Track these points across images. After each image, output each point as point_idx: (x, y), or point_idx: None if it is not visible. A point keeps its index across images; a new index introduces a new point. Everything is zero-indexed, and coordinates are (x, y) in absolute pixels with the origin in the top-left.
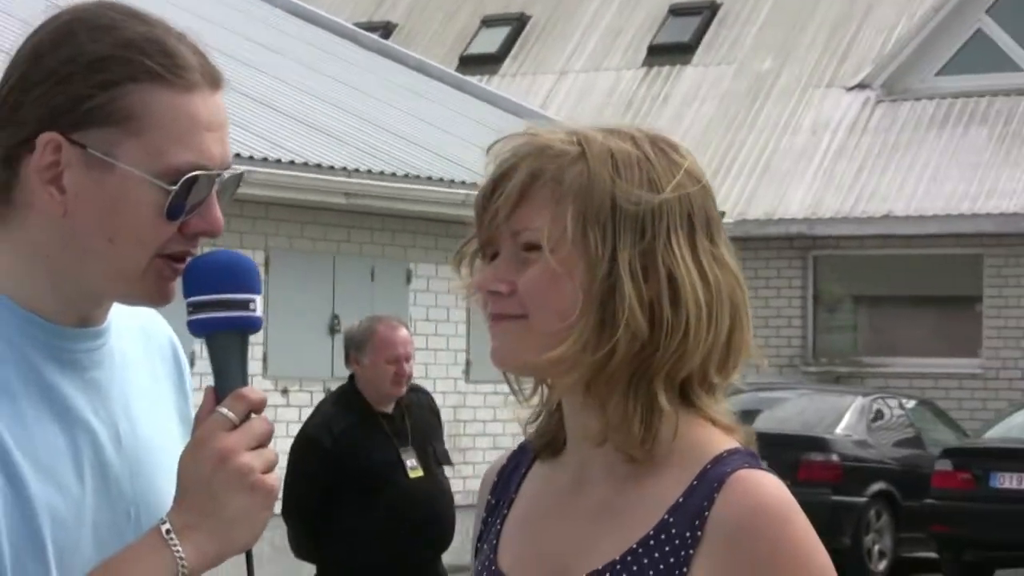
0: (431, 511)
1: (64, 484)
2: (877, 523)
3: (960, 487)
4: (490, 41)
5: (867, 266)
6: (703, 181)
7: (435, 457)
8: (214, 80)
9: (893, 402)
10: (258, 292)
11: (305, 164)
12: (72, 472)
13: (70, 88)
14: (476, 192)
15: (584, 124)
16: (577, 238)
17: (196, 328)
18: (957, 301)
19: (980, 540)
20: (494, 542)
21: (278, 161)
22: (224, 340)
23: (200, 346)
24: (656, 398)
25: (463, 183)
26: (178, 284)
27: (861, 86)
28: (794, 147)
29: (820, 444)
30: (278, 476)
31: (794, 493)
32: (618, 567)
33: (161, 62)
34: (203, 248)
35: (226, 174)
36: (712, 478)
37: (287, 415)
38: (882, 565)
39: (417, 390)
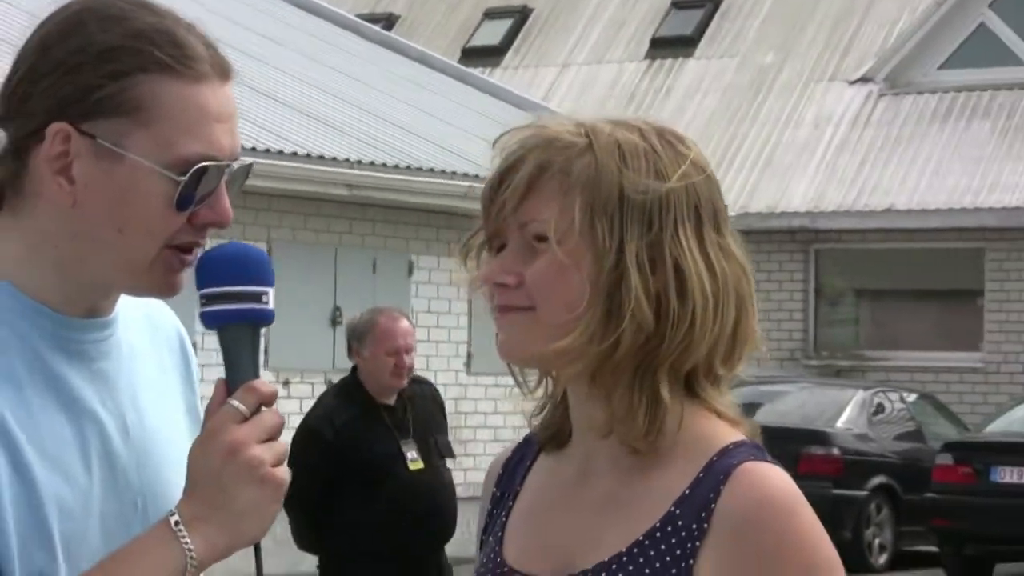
0: (432, 503)
1: (71, 474)
2: (878, 517)
3: (961, 481)
4: (492, 33)
5: (869, 260)
6: (709, 172)
7: (437, 449)
8: (223, 71)
9: (894, 396)
10: (270, 285)
11: (308, 156)
12: (79, 462)
13: (79, 78)
14: (479, 184)
15: (591, 116)
16: (585, 229)
17: (208, 320)
18: (959, 295)
19: (981, 534)
20: (499, 534)
21: (280, 152)
22: (236, 332)
23: (202, 336)
24: (659, 389)
25: (465, 175)
26: (189, 276)
27: (863, 80)
28: (796, 141)
29: (821, 437)
30: (288, 470)
31: None
32: (624, 559)
33: (171, 53)
34: (211, 240)
35: (235, 165)
36: (718, 470)
37: (288, 407)
38: (883, 559)
39: (421, 382)
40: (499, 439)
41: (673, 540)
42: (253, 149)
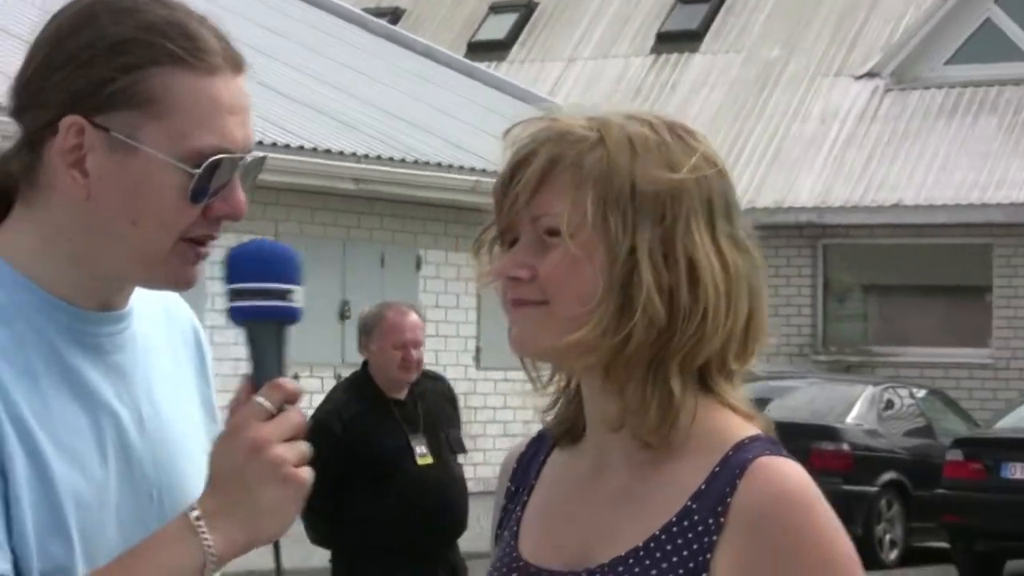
0: (442, 498)
1: (87, 467)
2: (888, 513)
3: (971, 477)
4: (498, 27)
5: (877, 255)
6: (720, 166)
7: (448, 445)
8: (236, 64)
9: (904, 392)
10: (299, 283)
11: (315, 150)
12: (95, 455)
13: (92, 71)
14: (486, 178)
15: (602, 109)
16: (597, 223)
17: (235, 315)
18: (967, 291)
19: (991, 530)
20: (515, 529)
21: (287, 147)
22: (262, 329)
23: (210, 331)
24: (672, 383)
25: (472, 169)
26: (204, 269)
27: (870, 75)
28: (803, 136)
29: (831, 433)
30: (310, 470)
31: None
32: (641, 553)
33: (183, 45)
34: (235, 235)
35: (248, 157)
36: (734, 464)
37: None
38: (893, 555)
39: (435, 377)
40: (509, 434)
41: (689, 535)
42: (260, 143)
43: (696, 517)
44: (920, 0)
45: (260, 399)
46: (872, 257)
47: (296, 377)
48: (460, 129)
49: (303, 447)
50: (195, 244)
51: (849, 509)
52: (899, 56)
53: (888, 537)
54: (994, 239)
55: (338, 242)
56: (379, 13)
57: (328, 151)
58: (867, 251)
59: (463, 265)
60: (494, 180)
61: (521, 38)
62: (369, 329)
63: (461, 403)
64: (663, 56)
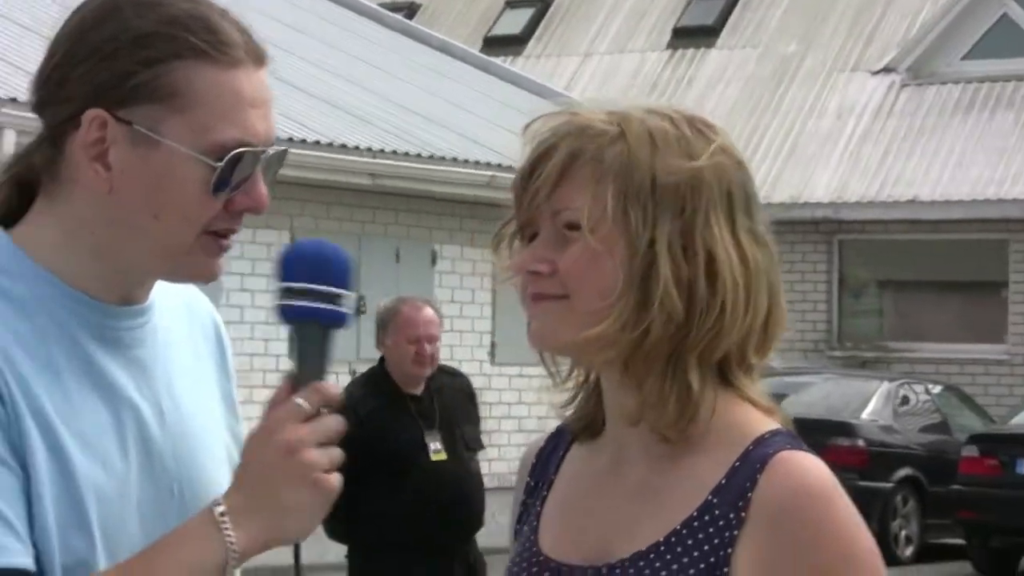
0: (457, 494)
1: (108, 460)
2: (903, 509)
3: (987, 473)
4: (514, 22)
5: (892, 251)
6: (740, 159)
7: (464, 440)
8: (258, 57)
9: (919, 387)
10: (350, 288)
11: (331, 145)
12: (116, 448)
13: (115, 65)
14: (501, 173)
15: (622, 104)
16: (618, 217)
17: (283, 314)
18: (983, 286)
19: (1007, 526)
20: (535, 524)
21: (303, 141)
22: (308, 330)
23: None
24: (690, 377)
25: (488, 164)
26: (225, 262)
27: (886, 70)
28: (819, 131)
29: (846, 429)
30: (340, 477)
31: None
32: (662, 548)
33: (206, 39)
34: (250, 231)
35: (270, 150)
36: (755, 459)
37: None
38: (909, 551)
39: (453, 373)
40: (523, 429)
41: (711, 529)
42: (275, 138)
43: (717, 512)
44: None
45: (299, 400)
46: (888, 253)
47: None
48: (476, 124)
49: (336, 453)
50: (217, 237)
51: (864, 505)
52: (916, 51)
53: (903, 533)
54: (1010, 235)
55: (353, 237)
56: (395, 8)
57: (343, 146)
58: (883, 247)
59: (478, 260)
60: (510, 175)
61: (537, 33)
62: (384, 324)
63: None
64: (679, 51)
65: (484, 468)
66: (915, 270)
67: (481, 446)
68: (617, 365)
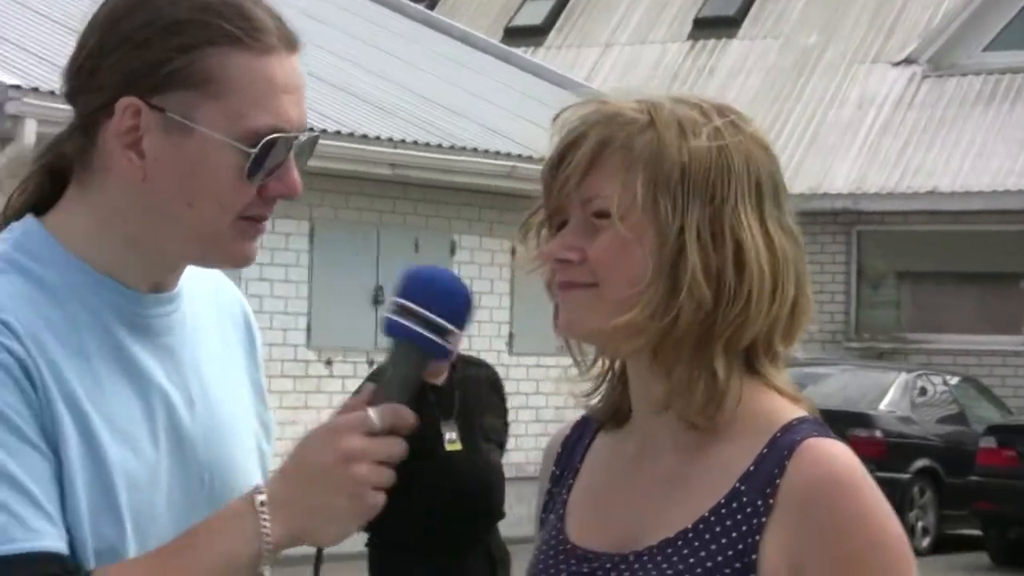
0: (471, 484)
1: (139, 448)
2: (921, 500)
3: (1004, 464)
4: (535, 13)
5: (911, 242)
6: (769, 148)
7: (483, 432)
8: (290, 43)
9: (937, 379)
10: (462, 328)
11: (351, 135)
12: (147, 436)
13: (148, 52)
14: (521, 164)
15: (652, 93)
16: (647, 205)
17: (390, 327)
18: (1002, 278)
19: None
20: (560, 512)
21: (323, 131)
22: (407, 351)
23: None
24: (716, 365)
25: (508, 155)
26: (269, 246)
27: (907, 61)
28: (839, 122)
29: (864, 420)
30: (383, 497)
31: None
32: (690, 535)
33: (239, 25)
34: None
35: (303, 136)
36: (782, 446)
37: (330, 386)
38: (926, 542)
39: (478, 363)
40: (541, 419)
41: (739, 516)
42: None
43: (745, 499)
44: None
45: (373, 413)
46: (907, 244)
47: (329, 363)
48: (496, 114)
49: (388, 475)
50: (252, 221)
51: None
52: (937, 42)
53: (920, 524)
54: None
55: (372, 227)
56: None
57: (364, 136)
58: (902, 238)
59: (497, 251)
60: (530, 166)
61: (558, 23)
62: None
63: None
64: (700, 42)
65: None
66: (934, 261)
67: (501, 438)
68: (646, 353)
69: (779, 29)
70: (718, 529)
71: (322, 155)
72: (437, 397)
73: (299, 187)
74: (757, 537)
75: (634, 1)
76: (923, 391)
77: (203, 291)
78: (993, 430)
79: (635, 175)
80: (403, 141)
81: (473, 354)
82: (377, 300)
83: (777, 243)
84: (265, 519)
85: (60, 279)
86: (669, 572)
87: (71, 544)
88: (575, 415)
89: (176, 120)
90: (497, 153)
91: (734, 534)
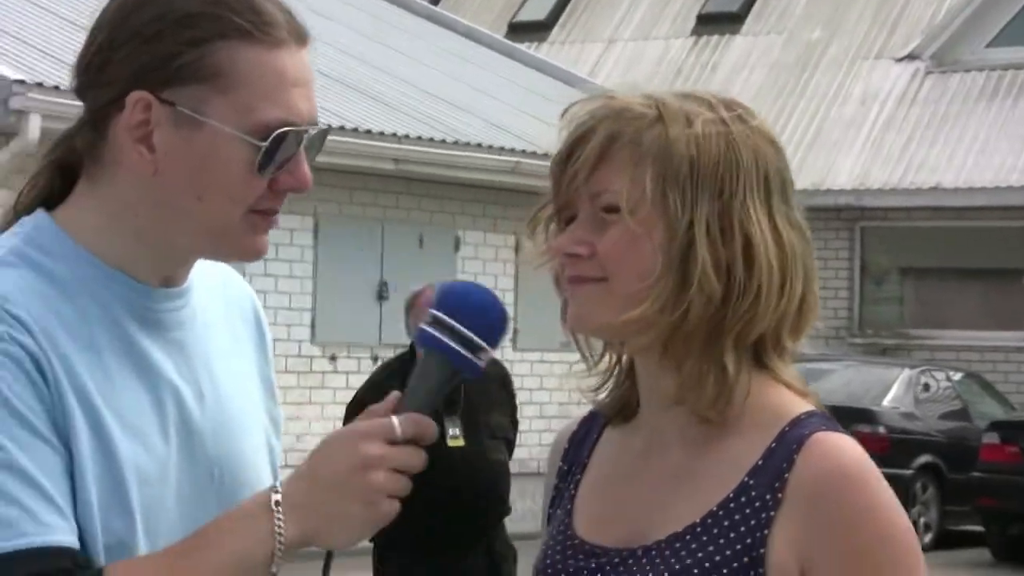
0: (473, 480)
1: (150, 442)
2: (923, 496)
3: (1007, 460)
4: (539, 8)
5: (915, 238)
6: (777, 143)
7: (488, 428)
8: (300, 36)
9: (940, 375)
10: (494, 347)
11: (355, 130)
12: (157, 431)
13: (159, 46)
14: (525, 159)
15: (659, 89)
16: (657, 199)
17: (422, 337)
18: (1005, 274)
19: None
20: (568, 507)
21: (328, 127)
22: (436, 363)
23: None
24: (726, 359)
25: (512, 150)
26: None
27: (910, 57)
28: (843, 118)
29: (867, 416)
30: (397, 506)
31: None
32: (698, 529)
33: (250, 19)
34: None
35: (313, 130)
36: (791, 440)
37: (335, 382)
38: (928, 538)
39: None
40: (545, 415)
41: (747, 510)
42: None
43: (753, 493)
44: None
45: (396, 421)
46: (910, 240)
47: (334, 358)
48: (500, 110)
49: (405, 484)
50: (263, 215)
51: None
52: (940, 38)
53: (923, 520)
54: None
55: (376, 223)
56: None
57: (368, 131)
58: (905, 234)
59: (501, 246)
60: (534, 161)
61: (562, 19)
62: (409, 307)
63: None
64: (704, 37)
65: None
66: (937, 257)
67: (508, 435)
68: (656, 347)
69: (783, 25)
70: (726, 523)
71: (326, 150)
72: None
73: (309, 180)
74: (765, 531)
75: None
76: (926, 387)
77: (212, 285)
78: (996, 426)
79: (644, 169)
80: (407, 136)
81: None
82: (381, 296)
83: (786, 238)
84: (280, 519)
85: (71, 273)
86: (677, 567)
87: (81, 538)
88: (579, 411)
89: (186, 114)
90: (501, 149)
91: (742, 528)
